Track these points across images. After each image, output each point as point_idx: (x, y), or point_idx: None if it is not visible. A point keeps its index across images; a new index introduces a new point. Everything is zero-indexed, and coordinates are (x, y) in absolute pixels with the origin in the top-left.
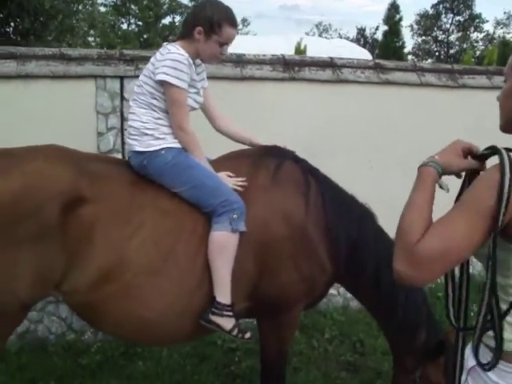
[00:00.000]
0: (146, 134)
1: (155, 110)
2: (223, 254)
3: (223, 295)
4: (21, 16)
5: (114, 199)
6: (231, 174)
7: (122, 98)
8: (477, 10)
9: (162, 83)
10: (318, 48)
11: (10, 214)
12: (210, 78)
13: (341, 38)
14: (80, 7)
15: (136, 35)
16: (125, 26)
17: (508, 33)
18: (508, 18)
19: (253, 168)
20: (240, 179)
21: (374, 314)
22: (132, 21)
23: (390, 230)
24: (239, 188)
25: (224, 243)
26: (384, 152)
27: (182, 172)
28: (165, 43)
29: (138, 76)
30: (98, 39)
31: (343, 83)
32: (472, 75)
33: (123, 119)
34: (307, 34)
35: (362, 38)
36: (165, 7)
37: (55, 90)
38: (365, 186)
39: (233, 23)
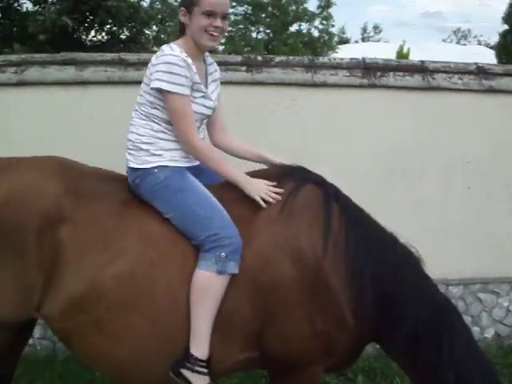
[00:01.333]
0: (142, 149)
1: (156, 122)
2: (203, 299)
3: (197, 347)
4: (115, 24)
5: (97, 222)
6: (268, 183)
7: None
8: None
9: (159, 91)
10: (450, 54)
11: None
12: (275, 83)
13: (480, 44)
14: None
15: (263, 43)
16: (255, 35)
17: None
18: None
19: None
20: (276, 190)
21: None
22: (261, 29)
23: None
24: (271, 199)
25: (205, 286)
26: (487, 176)
27: (171, 196)
28: (165, 45)
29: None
30: (226, 46)
31: (435, 91)
32: None
33: None
34: (444, 40)
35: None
36: (291, 14)
37: (112, 95)
38: (461, 214)
39: None
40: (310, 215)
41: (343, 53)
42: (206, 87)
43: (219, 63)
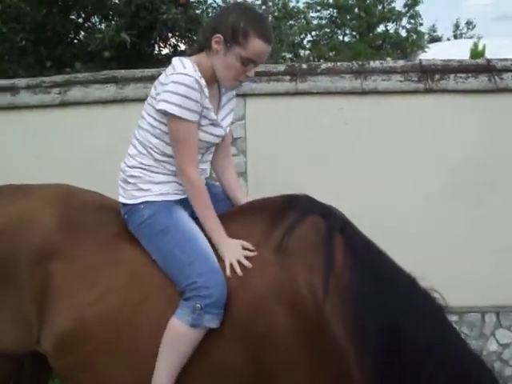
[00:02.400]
0: (129, 183)
1: (151, 153)
2: (170, 352)
3: None
4: (174, 37)
5: (86, 257)
6: (246, 245)
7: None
8: None
9: (164, 114)
10: None
11: None
12: (320, 92)
13: None
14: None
15: (348, 46)
16: (341, 38)
17: None
18: None
19: (268, 228)
20: (250, 254)
21: None
22: (347, 31)
23: None
24: (245, 264)
25: (175, 336)
26: None
27: (154, 236)
28: (175, 58)
29: (237, 95)
30: (311, 51)
31: (503, 93)
32: None
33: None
34: None
35: None
36: (377, 15)
37: None
38: None
39: (264, 35)
40: (310, 253)
41: (433, 52)
42: (217, 113)
43: (262, 73)
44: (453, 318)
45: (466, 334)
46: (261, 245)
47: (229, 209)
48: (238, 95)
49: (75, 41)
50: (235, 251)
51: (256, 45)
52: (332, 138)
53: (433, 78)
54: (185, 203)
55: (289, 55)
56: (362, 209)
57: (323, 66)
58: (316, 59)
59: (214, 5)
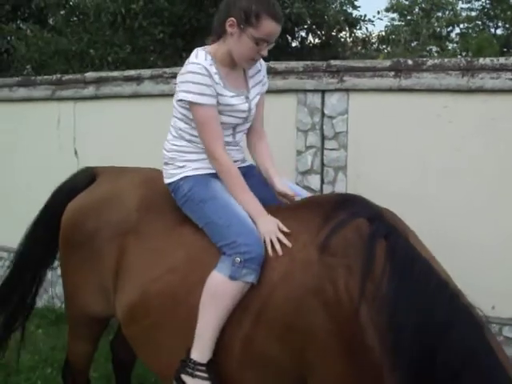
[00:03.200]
0: (168, 164)
1: (182, 136)
2: (211, 302)
3: (198, 351)
4: (301, 30)
5: (155, 238)
6: (281, 227)
7: (323, 115)
8: None
9: (182, 101)
10: None
11: (80, 232)
12: (423, 90)
13: None
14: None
15: (500, 40)
16: (493, 31)
17: None
18: None
19: (320, 225)
20: (284, 241)
21: None
22: (500, 24)
23: None
24: (277, 247)
25: (216, 288)
26: None
27: (195, 207)
28: (195, 50)
29: (340, 90)
30: (458, 45)
31: None
32: None
33: (323, 137)
34: None
35: None
36: None
37: None
38: None
39: (275, 16)
40: (351, 257)
41: None
42: (248, 91)
43: (365, 69)
44: None
45: None
46: (311, 241)
47: (285, 202)
48: (340, 90)
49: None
50: (272, 229)
51: (268, 25)
52: (435, 137)
53: None
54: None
55: (435, 48)
56: (459, 213)
57: (429, 62)
58: (464, 53)
59: None
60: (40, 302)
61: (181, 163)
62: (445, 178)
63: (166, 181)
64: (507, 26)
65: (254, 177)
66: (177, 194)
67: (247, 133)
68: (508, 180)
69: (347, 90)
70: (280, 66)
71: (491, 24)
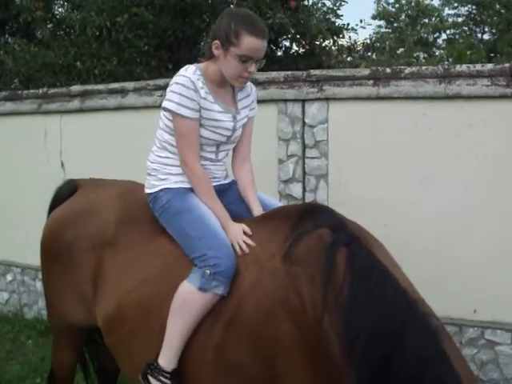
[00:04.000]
0: (150, 175)
1: (166, 147)
2: (180, 312)
3: (165, 358)
4: (283, 40)
5: (131, 250)
6: (247, 231)
7: (304, 124)
8: None
9: (166, 110)
10: None
11: (59, 243)
12: (401, 98)
13: None
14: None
15: (486, 45)
16: (480, 36)
17: None
18: None
19: (287, 234)
20: (249, 241)
21: None
22: (486, 29)
23: None
24: (239, 251)
25: (185, 298)
26: None
27: (170, 218)
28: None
29: (320, 99)
30: (445, 51)
31: None
32: None
33: (305, 146)
34: None
35: None
36: None
37: None
38: None
39: (254, 31)
40: (313, 265)
41: None
42: (237, 112)
43: (345, 78)
44: None
45: None
46: (278, 250)
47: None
48: (320, 99)
49: (198, 45)
50: (236, 236)
51: (248, 42)
52: (414, 144)
53: None
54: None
55: (423, 54)
56: (437, 220)
57: (407, 70)
58: (450, 59)
59: (324, 8)
60: (30, 314)
61: (163, 175)
62: (424, 185)
63: (147, 191)
64: (493, 31)
65: (234, 192)
66: (155, 204)
67: (233, 156)
68: (487, 185)
69: (327, 99)
70: (261, 76)
71: (478, 29)
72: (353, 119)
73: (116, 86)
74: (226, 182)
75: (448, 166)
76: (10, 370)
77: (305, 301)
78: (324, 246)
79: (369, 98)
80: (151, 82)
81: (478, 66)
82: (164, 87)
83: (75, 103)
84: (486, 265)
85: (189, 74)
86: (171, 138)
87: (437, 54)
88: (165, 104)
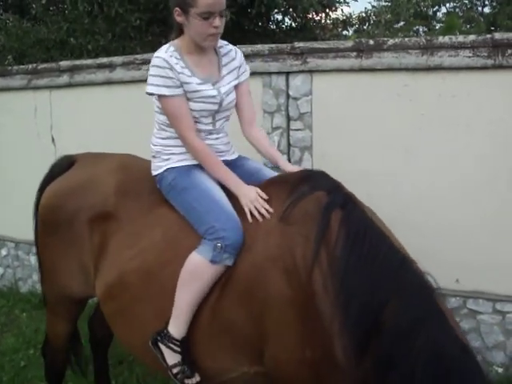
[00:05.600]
0: (155, 157)
1: (164, 129)
2: (190, 282)
3: (175, 326)
4: (275, 13)
5: (133, 220)
6: (260, 193)
7: (288, 96)
8: None
9: (149, 94)
10: None
11: (58, 215)
12: (384, 69)
13: None
14: None
15: (486, 19)
16: (481, 9)
17: None
18: None
19: (285, 198)
20: (266, 206)
21: None
22: (487, 2)
23: None
24: (257, 214)
25: (195, 269)
26: None
27: (177, 195)
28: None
29: (304, 71)
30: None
31: None
32: None
33: (289, 118)
34: None
35: None
36: None
37: None
38: None
39: None
40: (308, 225)
41: None
42: (220, 78)
43: (328, 50)
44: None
45: None
46: (275, 213)
47: (259, 181)
48: (304, 71)
49: None
50: (251, 199)
51: None
52: (396, 115)
53: (504, 53)
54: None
55: (422, 28)
56: (419, 190)
57: (390, 42)
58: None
59: None
60: (24, 288)
61: (166, 156)
62: (406, 155)
63: (154, 173)
64: (494, 4)
65: (238, 167)
66: (162, 184)
67: (241, 124)
68: (470, 156)
69: (311, 72)
70: (246, 49)
71: (478, 3)
72: (336, 91)
73: (104, 60)
74: (231, 158)
75: (430, 137)
76: (4, 342)
77: (297, 259)
78: (319, 208)
79: (352, 70)
80: (139, 57)
81: (461, 38)
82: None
83: (64, 78)
84: (469, 233)
85: (161, 53)
86: (165, 118)
87: (437, 27)
88: (147, 89)
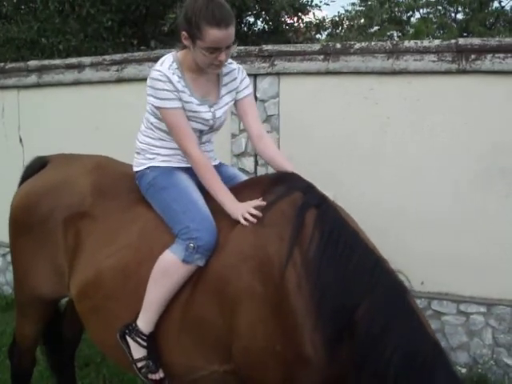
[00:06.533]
0: (139, 154)
1: (153, 129)
2: (162, 280)
3: (143, 321)
4: (246, 16)
5: (109, 219)
6: (253, 204)
7: (256, 98)
8: None
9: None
10: None
11: (31, 215)
12: (351, 72)
13: None
14: None
15: (459, 25)
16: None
17: None
18: None
19: (261, 198)
20: (255, 212)
21: None
22: (460, 8)
23: None
24: (249, 220)
25: (167, 268)
26: None
27: (155, 194)
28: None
29: (271, 74)
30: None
31: None
32: None
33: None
34: None
35: None
36: None
37: None
38: None
39: (215, 22)
40: (283, 226)
41: None
42: (218, 99)
43: (296, 53)
44: (480, 310)
45: (494, 328)
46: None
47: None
48: (271, 74)
49: (163, 20)
50: (243, 210)
51: (211, 34)
52: (362, 119)
53: (468, 58)
54: (190, 171)
55: (396, 33)
56: (385, 192)
57: (357, 45)
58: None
59: None
60: None
61: (151, 155)
62: (372, 158)
63: (135, 169)
64: (467, 10)
65: (219, 173)
66: (141, 181)
67: (250, 140)
68: (432, 159)
69: (278, 74)
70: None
71: (452, 9)
72: (303, 94)
73: (73, 60)
74: (214, 164)
75: (396, 140)
76: None
77: (271, 257)
78: (295, 208)
79: (319, 73)
80: (108, 57)
81: (426, 42)
82: (120, 62)
83: (32, 78)
84: (434, 236)
85: (164, 68)
86: (157, 122)
87: (410, 32)
88: (150, 100)
